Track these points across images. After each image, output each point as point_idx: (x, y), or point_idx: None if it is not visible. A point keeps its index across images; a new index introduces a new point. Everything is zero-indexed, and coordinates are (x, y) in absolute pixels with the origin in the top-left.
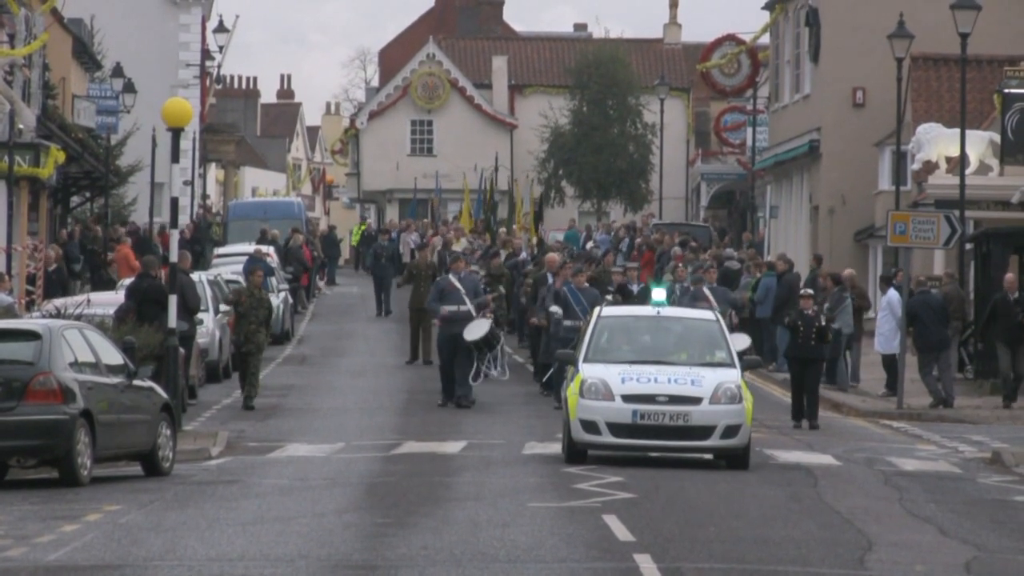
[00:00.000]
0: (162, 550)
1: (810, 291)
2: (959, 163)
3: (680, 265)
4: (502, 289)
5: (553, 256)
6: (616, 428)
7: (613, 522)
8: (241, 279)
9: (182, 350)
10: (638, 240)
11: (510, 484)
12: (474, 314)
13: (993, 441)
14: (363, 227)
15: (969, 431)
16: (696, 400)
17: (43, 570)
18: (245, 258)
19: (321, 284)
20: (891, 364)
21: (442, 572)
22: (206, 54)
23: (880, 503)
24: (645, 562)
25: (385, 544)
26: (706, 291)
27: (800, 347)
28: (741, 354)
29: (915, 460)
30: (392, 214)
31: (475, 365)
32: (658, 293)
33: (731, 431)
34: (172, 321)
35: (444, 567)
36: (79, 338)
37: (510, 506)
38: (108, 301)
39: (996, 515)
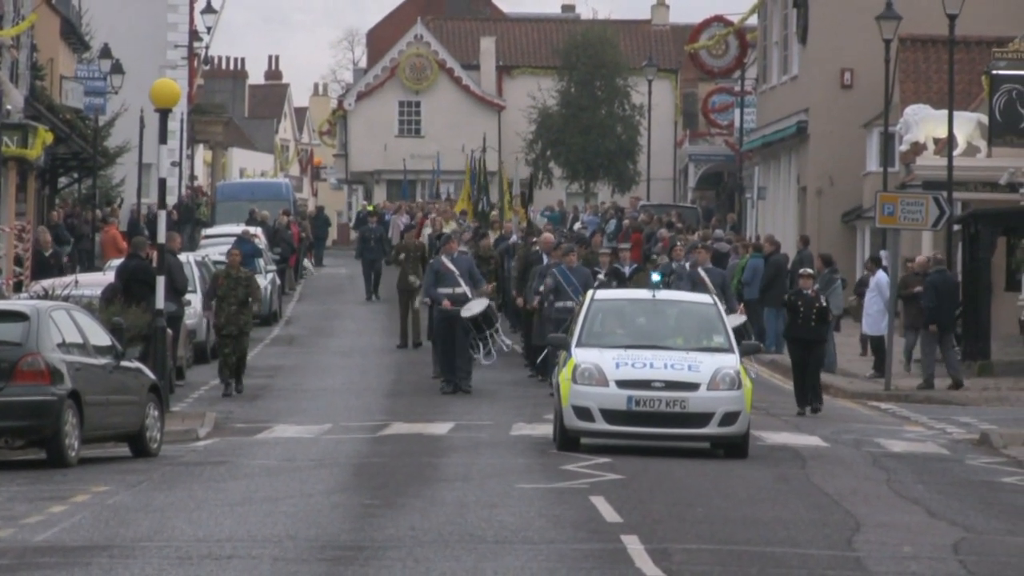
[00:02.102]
0: (150, 531)
1: (810, 271)
2: (947, 144)
3: (679, 244)
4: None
5: (548, 236)
6: (610, 415)
7: (601, 503)
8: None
9: (170, 331)
10: (625, 221)
11: (498, 465)
12: (470, 295)
13: (981, 422)
14: (370, 207)
15: (957, 412)
16: (693, 386)
17: (31, 551)
18: (233, 239)
19: (308, 265)
20: (878, 346)
21: (430, 553)
22: (194, 35)
23: (868, 484)
24: (632, 543)
25: (373, 525)
26: (702, 273)
27: (800, 328)
28: (737, 334)
29: (903, 441)
30: (380, 195)
31: (479, 346)
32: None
33: (730, 418)
34: (160, 302)
35: (432, 548)
36: (67, 319)
37: (498, 487)
38: (96, 282)
39: (984, 496)
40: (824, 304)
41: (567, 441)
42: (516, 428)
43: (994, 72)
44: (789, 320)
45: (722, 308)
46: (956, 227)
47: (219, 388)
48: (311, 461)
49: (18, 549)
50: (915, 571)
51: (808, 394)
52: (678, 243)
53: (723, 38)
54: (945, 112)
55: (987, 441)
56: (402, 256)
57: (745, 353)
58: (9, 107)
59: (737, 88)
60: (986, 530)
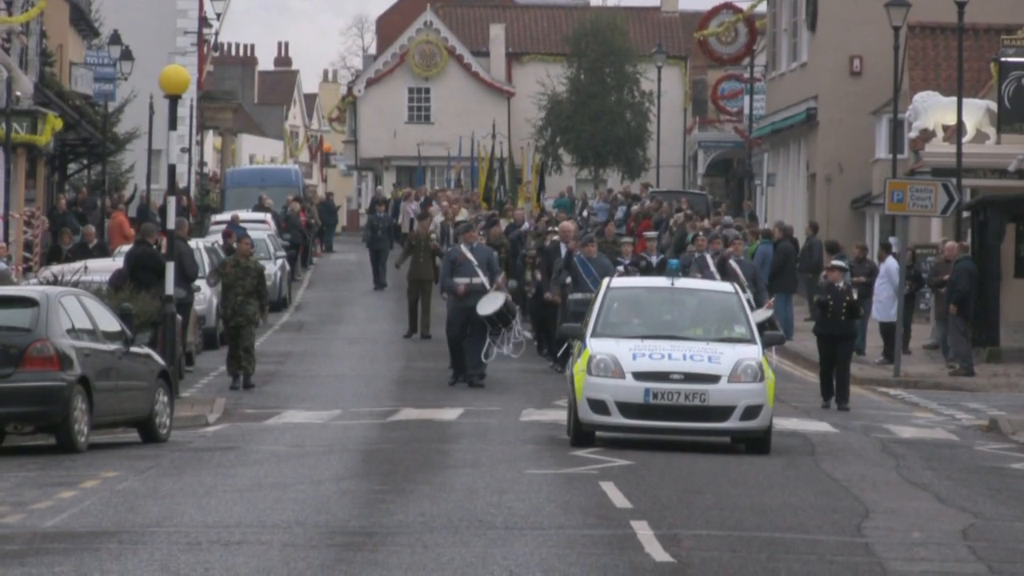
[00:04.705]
0: (159, 517)
1: (840, 263)
2: (956, 131)
3: (701, 234)
4: (514, 282)
5: (567, 224)
6: (627, 408)
7: (610, 489)
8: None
9: (179, 317)
10: (635, 208)
11: (507, 451)
12: (487, 286)
13: (990, 409)
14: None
15: (966, 399)
16: (714, 378)
17: (40, 537)
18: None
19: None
20: (888, 332)
21: (439, 539)
22: (203, 21)
23: (877, 470)
24: (642, 529)
25: (382, 511)
26: (734, 265)
27: (830, 323)
28: (760, 327)
29: (912, 428)
30: (389, 181)
31: (487, 341)
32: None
33: (751, 412)
34: (169, 288)
35: (441, 534)
36: (76, 305)
37: (507, 473)
38: (105, 268)
39: (993, 483)
40: (855, 297)
41: (581, 435)
42: (526, 414)
43: (1003, 59)
44: (819, 315)
45: (743, 297)
46: (965, 214)
47: (228, 376)
48: (320, 447)
49: (27, 535)
50: (924, 557)
51: (837, 390)
52: (700, 233)
53: (732, 25)
54: (954, 99)
55: (996, 427)
56: (414, 243)
57: (768, 344)
58: (19, 93)
59: (746, 75)
60: (995, 516)
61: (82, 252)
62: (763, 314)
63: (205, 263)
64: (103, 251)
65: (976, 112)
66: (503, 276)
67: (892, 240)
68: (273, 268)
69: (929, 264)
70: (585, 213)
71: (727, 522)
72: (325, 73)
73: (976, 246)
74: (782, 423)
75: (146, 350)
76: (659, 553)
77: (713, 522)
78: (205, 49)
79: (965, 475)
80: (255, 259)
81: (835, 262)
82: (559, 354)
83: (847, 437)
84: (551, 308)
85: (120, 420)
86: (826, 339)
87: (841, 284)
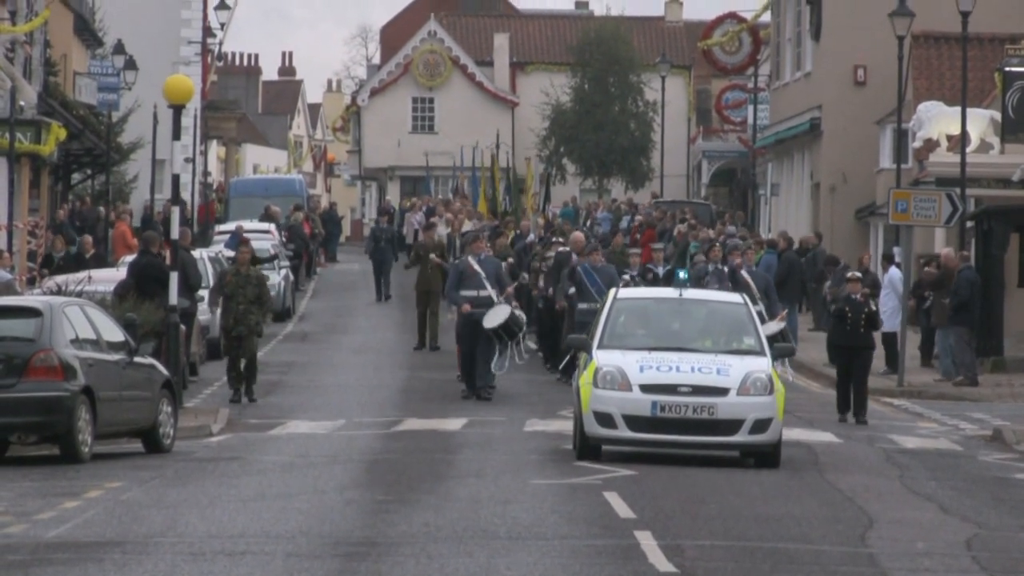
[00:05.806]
0: (163, 527)
1: (858, 274)
2: (960, 141)
3: (717, 245)
4: (525, 276)
5: (579, 235)
6: (633, 421)
7: (614, 499)
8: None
9: (183, 327)
10: (638, 218)
11: (511, 461)
12: (495, 299)
13: (994, 419)
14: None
15: (970, 409)
16: (723, 391)
17: (44, 547)
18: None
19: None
20: (891, 342)
21: (443, 549)
22: (207, 31)
23: (881, 481)
24: (646, 539)
25: (386, 521)
26: (746, 275)
27: (848, 335)
28: (772, 339)
29: (916, 438)
30: (393, 191)
31: (496, 354)
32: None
33: (761, 425)
34: (173, 298)
35: (445, 544)
36: (80, 315)
37: (511, 483)
38: (109, 278)
39: (997, 493)
40: (874, 308)
41: (587, 449)
42: (530, 424)
43: (1006, 69)
44: (835, 327)
45: (753, 309)
46: (969, 224)
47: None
48: (324, 457)
49: (31, 545)
50: (928, 567)
51: (854, 403)
52: (716, 244)
53: (736, 35)
54: (958, 109)
55: (1000, 437)
56: (421, 253)
57: (778, 356)
58: (22, 103)
59: (750, 85)
60: (999, 526)
61: (77, 262)
62: (775, 326)
63: (209, 273)
64: (100, 261)
65: (980, 122)
66: (511, 288)
67: (896, 250)
68: (277, 278)
69: None
70: (590, 223)
71: (731, 532)
72: (329, 83)
73: (980, 256)
74: (786, 433)
75: (150, 360)
76: (662, 563)
77: (716, 532)
78: (209, 59)
79: (969, 485)
80: (257, 269)
81: (853, 272)
82: (562, 365)
83: (851, 447)
84: (557, 319)
85: (124, 430)
86: (843, 351)
87: (859, 295)
